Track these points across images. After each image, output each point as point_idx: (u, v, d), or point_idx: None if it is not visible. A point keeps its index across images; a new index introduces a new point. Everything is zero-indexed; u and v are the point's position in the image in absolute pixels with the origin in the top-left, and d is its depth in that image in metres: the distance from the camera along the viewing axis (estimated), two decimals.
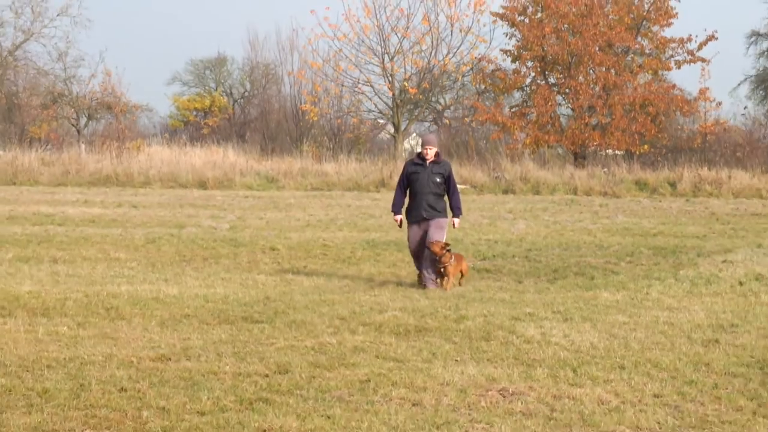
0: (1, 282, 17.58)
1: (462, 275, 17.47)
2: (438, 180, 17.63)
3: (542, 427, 9.33)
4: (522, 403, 10.10)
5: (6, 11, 69.30)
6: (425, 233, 17.48)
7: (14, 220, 29.37)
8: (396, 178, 45.83)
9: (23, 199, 37.98)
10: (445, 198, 17.96)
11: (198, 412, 9.67)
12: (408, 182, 17.80)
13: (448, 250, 16.78)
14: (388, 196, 41.27)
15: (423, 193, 17.55)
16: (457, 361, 11.85)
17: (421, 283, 17.60)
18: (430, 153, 17.65)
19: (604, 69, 57.68)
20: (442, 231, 17.54)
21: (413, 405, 10.00)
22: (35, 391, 10.37)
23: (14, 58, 69.08)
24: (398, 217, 18.09)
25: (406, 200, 18.01)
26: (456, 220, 18.18)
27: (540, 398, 10.26)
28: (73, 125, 71.04)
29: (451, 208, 17.97)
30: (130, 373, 11.14)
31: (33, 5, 68.82)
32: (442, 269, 16.83)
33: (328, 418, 9.45)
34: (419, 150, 17.91)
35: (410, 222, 17.77)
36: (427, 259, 17.34)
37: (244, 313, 14.93)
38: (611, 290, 17.36)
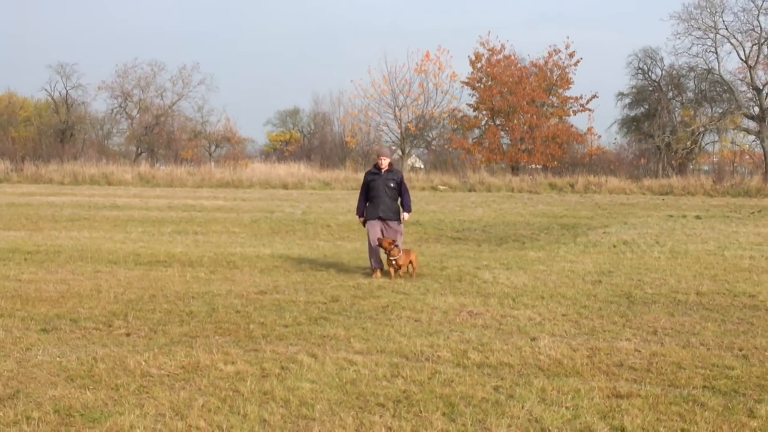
0: (163, 246, 17.58)
1: (412, 266, 13.73)
2: (392, 185, 14.15)
3: (495, 333, 9.28)
4: (482, 319, 10.07)
5: (167, 82, 69.70)
6: (382, 230, 14.12)
7: (171, 209, 29.39)
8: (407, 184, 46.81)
9: (177, 196, 38.01)
10: (399, 201, 14.40)
11: (283, 325, 9.66)
12: (368, 188, 14.29)
13: (396, 246, 13.56)
14: None
15: (379, 196, 14.09)
16: (441, 294, 11.82)
17: (373, 270, 14.02)
18: (384, 163, 14.27)
19: (529, 115, 57.79)
20: (395, 233, 14.09)
21: (415, 321, 9.98)
22: (185, 312, 10.39)
23: (172, 110, 69.20)
24: (361, 219, 14.48)
25: (368, 203, 14.40)
26: (405, 214, 14.39)
27: (493, 317, 10.23)
28: (206, 150, 71.12)
29: (402, 205, 14.35)
30: (242, 301, 11.14)
31: (183, 78, 68.97)
32: (393, 261, 13.48)
33: (363, 329, 9.44)
34: (377, 161, 14.45)
35: (370, 219, 14.18)
36: (375, 254, 14.02)
37: (311, 265, 14.91)
38: (535, 250, 17.30)
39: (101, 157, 60.95)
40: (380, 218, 14.12)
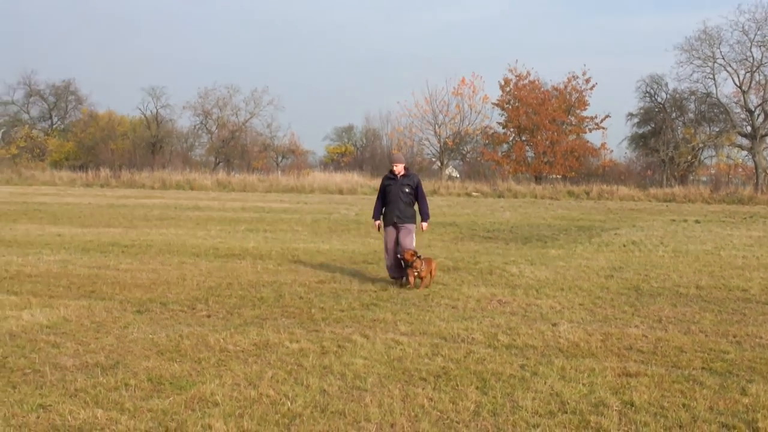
0: (238, 242, 17.72)
1: (431, 275, 11.78)
2: (407, 190, 12.18)
3: (521, 319, 9.22)
4: (510, 307, 10.01)
5: (241, 102, 70.23)
6: (398, 234, 12.13)
7: (244, 210, 29.62)
8: (441, 190, 46.77)
9: (249, 199, 38.31)
10: (416, 206, 12.39)
11: (340, 310, 9.69)
12: (383, 194, 12.30)
13: (418, 257, 11.61)
14: (439, 199, 41.42)
15: (394, 201, 12.12)
16: (475, 285, 11.76)
17: (394, 279, 12.12)
18: (399, 168, 12.25)
19: (551, 132, 57.43)
20: (410, 236, 12.05)
21: (452, 308, 9.95)
22: (257, 297, 10.46)
23: (245, 126, 69.68)
24: (377, 222, 12.40)
25: (384, 208, 12.36)
26: (424, 224, 12.47)
27: (519, 305, 10.17)
28: (274, 161, 71.56)
29: (420, 213, 12.34)
30: (305, 289, 11.19)
31: (254, 99, 69.41)
32: (416, 273, 11.49)
33: (408, 314, 9.43)
34: (392, 167, 12.42)
35: (385, 225, 12.23)
36: (395, 265, 12.02)
37: (363, 259, 14.92)
38: (556, 248, 17.14)
39: (185, 166, 61.66)
40: (394, 224, 12.17)
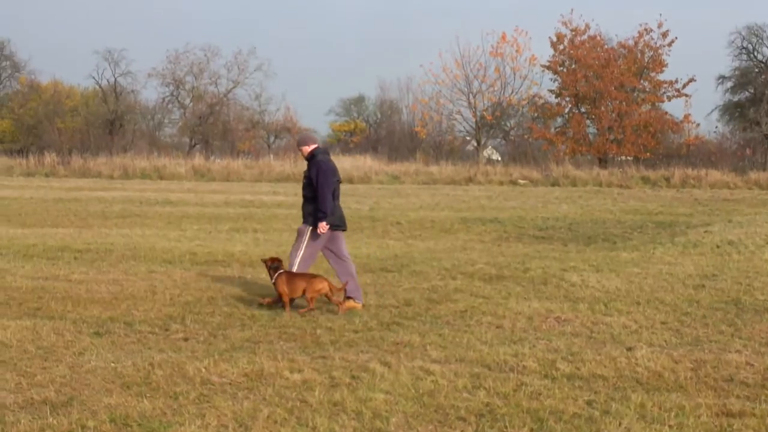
0: (221, 244, 17.77)
1: (308, 299, 10.69)
2: (305, 182, 11.39)
3: (585, 342, 9.20)
4: (570, 326, 9.99)
5: (221, 68, 70.48)
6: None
7: (228, 204, 29.74)
8: (478, 177, 46.80)
9: (233, 191, 38.46)
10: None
11: (353, 330, 9.71)
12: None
13: (276, 264, 10.95)
14: (476, 189, 41.45)
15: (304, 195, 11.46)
16: (525, 298, 11.75)
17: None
18: (303, 151, 11.54)
19: (618, 102, 57.34)
20: (297, 240, 11.41)
21: (496, 327, 9.94)
22: (246, 315, 10.50)
23: (227, 98, 70.05)
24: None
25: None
26: (321, 225, 11.16)
27: (583, 323, 10.14)
28: (265, 142, 71.89)
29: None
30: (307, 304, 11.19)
31: (238, 64, 69.85)
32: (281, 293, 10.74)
33: (440, 335, 9.43)
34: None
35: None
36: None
37: (380, 266, 14.92)
38: (628, 251, 17.08)
39: (152, 149, 62.09)
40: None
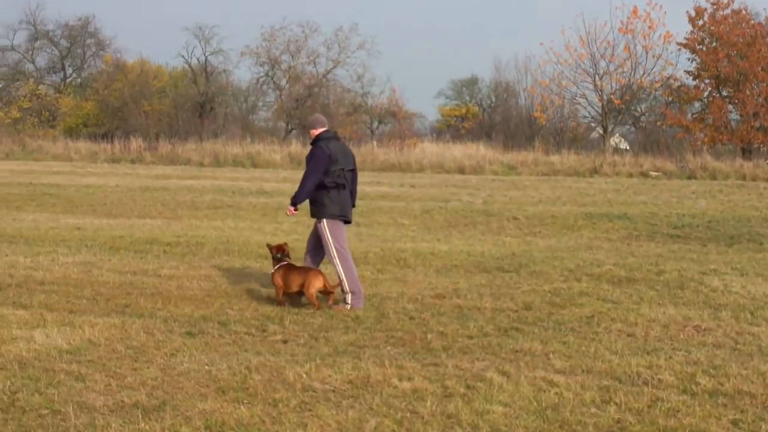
0: None
1: (308, 295, 11.13)
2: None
3: (729, 355, 9.05)
4: (712, 337, 9.85)
5: (321, 46, 70.92)
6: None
7: None
8: (605, 168, 46.31)
9: None
10: (327, 193, 11.57)
11: (467, 336, 9.74)
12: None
13: (280, 254, 11.52)
14: (602, 181, 40.99)
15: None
16: (659, 303, 11.61)
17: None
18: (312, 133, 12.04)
19: (765, 84, 56.02)
20: (322, 235, 11.71)
21: (628, 336, 9.87)
22: (350, 317, 10.63)
23: (326, 79, 70.52)
24: None
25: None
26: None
27: (726, 334, 9.99)
28: (368, 127, 72.24)
29: None
30: (416, 306, 11.29)
31: (339, 41, 70.17)
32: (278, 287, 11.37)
33: (564, 343, 9.39)
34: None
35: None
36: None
37: (496, 265, 14.90)
38: None
39: (245, 134, 62.75)
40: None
